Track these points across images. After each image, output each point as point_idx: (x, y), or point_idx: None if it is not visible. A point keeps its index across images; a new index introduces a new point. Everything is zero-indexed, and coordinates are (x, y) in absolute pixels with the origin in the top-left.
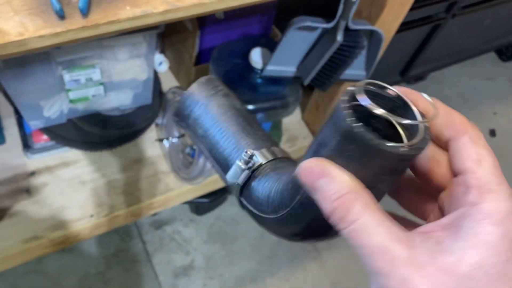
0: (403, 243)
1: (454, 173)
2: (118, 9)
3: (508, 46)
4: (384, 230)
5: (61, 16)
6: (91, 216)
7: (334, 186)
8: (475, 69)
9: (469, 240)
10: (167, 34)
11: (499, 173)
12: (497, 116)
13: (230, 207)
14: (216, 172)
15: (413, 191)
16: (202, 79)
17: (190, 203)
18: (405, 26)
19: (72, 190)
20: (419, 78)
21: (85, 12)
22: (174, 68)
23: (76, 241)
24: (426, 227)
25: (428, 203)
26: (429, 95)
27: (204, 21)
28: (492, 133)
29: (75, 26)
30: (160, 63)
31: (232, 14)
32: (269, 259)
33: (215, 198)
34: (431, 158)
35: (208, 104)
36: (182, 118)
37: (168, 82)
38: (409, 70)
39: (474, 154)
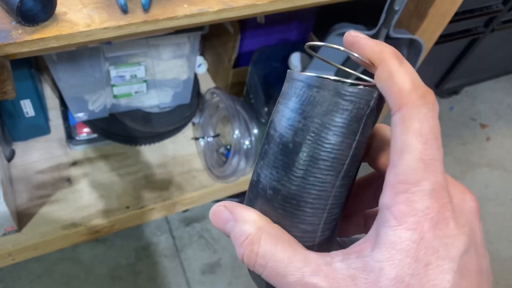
0: (320, 273)
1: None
2: (177, 7)
3: None
4: (297, 266)
5: (125, 10)
6: (127, 207)
7: (240, 227)
8: (510, 86)
9: (385, 251)
10: (207, 37)
11: (424, 166)
12: None
13: None
14: None
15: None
16: None
17: (216, 201)
18: (443, 38)
19: (110, 181)
20: (453, 92)
21: (146, 7)
22: (212, 70)
23: (111, 231)
24: (357, 242)
25: None
26: (462, 110)
27: (245, 25)
28: None
29: (136, 20)
30: (199, 65)
31: (272, 20)
32: None
33: (243, 199)
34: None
35: None
36: None
37: (206, 83)
38: (444, 83)
39: (399, 143)
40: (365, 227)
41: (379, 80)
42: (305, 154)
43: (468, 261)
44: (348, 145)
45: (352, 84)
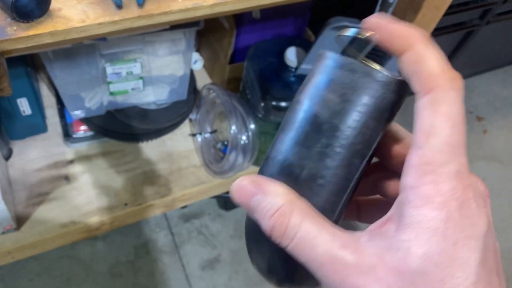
0: (348, 248)
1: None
2: (171, 1)
3: None
4: (327, 238)
5: (119, 5)
6: (126, 204)
7: (269, 200)
8: (507, 78)
9: (412, 230)
10: (203, 33)
11: (451, 149)
12: None
13: None
14: None
15: (374, 207)
16: None
17: (219, 197)
18: (438, 31)
19: (108, 179)
20: None
21: (141, 2)
22: (209, 67)
23: (110, 228)
24: (376, 223)
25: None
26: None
27: (240, 20)
28: None
29: (131, 15)
30: (195, 61)
31: (268, 15)
32: None
33: None
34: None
35: None
36: None
37: (202, 79)
38: None
39: (426, 125)
40: (358, 214)
41: (407, 64)
42: (341, 137)
43: (489, 241)
44: (379, 132)
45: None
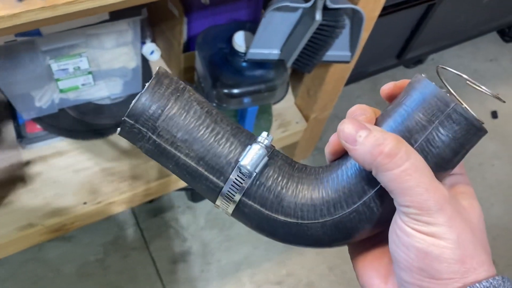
0: (442, 184)
1: None
2: None
3: (510, 26)
4: (430, 170)
5: None
6: (84, 203)
7: (379, 133)
8: (477, 50)
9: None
10: (156, 22)
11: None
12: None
13: None
14: (200, 185)
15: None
16: (162, 69)
17: (185, 190)
18: (397, 7)
19: (66, 178)
20: (418, 61)
21: None
22: (165, 57)
23: (72, 228)
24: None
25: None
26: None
27: (190, 7)
28: (494, 115)
29: (33, 6)
30: (152, 52)
31: None
32: (266, 244)
33: None
34: None
35: (185, 98)
36: (146, 119)
37: None
38: (406, 53)
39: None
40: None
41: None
42: None
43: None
44: None
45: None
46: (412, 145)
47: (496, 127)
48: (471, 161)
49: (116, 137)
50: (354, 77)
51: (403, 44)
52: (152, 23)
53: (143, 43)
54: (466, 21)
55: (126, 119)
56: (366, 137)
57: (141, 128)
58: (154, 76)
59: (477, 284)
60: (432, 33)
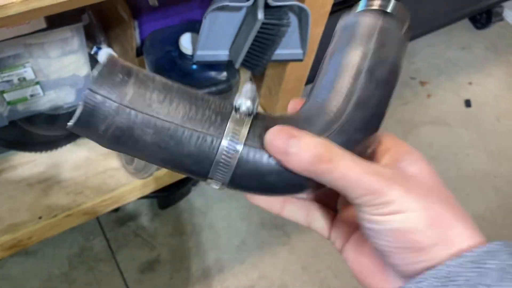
0: (383, 166)
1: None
2: None
3: (481, 13)
4: (365, 161)
5: None
6: (40, 218)
7: (309, 138)
8: (449, 38)
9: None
10: (109, 26)
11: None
12: (473, 85)
13: (196, 198)
14: (188, 153)
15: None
16: (108, 59)
17: (147, 197)
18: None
19: (20, 193)
20: None
21: None
22: None
23: (30, 244)
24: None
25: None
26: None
27: (140, 10)
28: (468, 103)
29: None
30: None
31: (168, 0)
32: (237, 248)
33: (175, 190)
34: None
35: (146, 84)
36: (101, 121)
37: None
38: None
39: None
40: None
41: None
42: None
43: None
44: None
45: None
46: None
47: (471, 116)
48: (445, 152)
49: (71, 148)
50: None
51: None
52: (106, 28)
53: (98, 48)
54: (435, 10)
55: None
56: (298, 146)
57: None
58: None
59: (466, 253)
60: None
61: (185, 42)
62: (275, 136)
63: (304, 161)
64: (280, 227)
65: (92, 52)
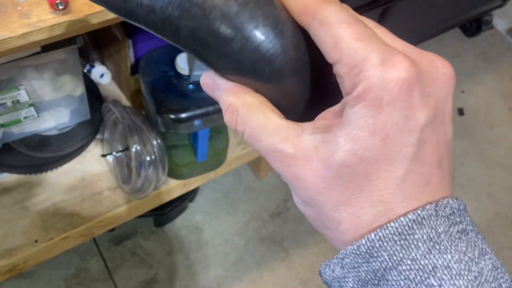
0: (289, 141)
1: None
2: None
3: (471, 21)
4: (270, 132)
5: None
6: (36, 241)
7: (224, 97)
8: (440, 47)
9: (344, 128)
10: (103, 45)
11: (363, 43)
12: (465, 94)
13: (192, 215)
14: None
15: None
16: None
17: (144, 217)
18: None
19: (14, 216)
20: None
21: None
22: (116, 80)
23: (26, 268)
24: (323, 115)
25: None
26: None
27: (134, 29)
28: (461, 112)
29: None
30: (102, 75)
31: None
32: (236, 265)
33: (171, 208)
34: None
35: None
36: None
37: (113, 93)
38: None
39: (329, 41)
40: None
41: (290, 9)
42: None
43: (430, 133)
44: None
45: None
46: None
47: (464, 124)
48: None
49: (66, 168)
50: None
51: None
52: (100, 46)
53: (92, 66)
54: (425, 21)
55: None
56: (219, 99)
57: None
58: None
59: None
60: (394, 34)
61: (181, 62)
62: (203, 82)
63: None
64: (279, 242)
65: (85, 70)
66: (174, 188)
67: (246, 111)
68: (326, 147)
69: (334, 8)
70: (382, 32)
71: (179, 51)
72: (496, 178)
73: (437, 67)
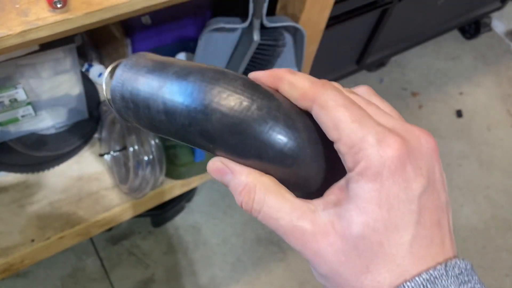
0: (306, 218)
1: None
2: None
3: (470, 24)
4: (287, 211)
5: None
6: (32, 241)
7: (238, 179)
8: (439, 49)
9: (353, 202)
10: (101, 44)
11: (359, 126)
12: (463, 96)
13: (190, 215)
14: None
15: None
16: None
17: (141, 216)
18: (351, 14)
19: (11, 215)
20: (380, 64)
21: None
22: None
23: (22, 267)
24: (330, 190)
25: None
26: (392, 81)
27: (133, 28)
28: (459, 113)
29: None
30: (100, 74)
31: (162, 18)
32: (233, 265)
33: (168, 208)
34: None
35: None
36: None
37: None
38: (365, 58)
39: (329, 123)
40: None
41: (289, 96)
42: None
43: (427, 200)
44: None
45: None
46: None
47: (462, 126)
48: None
49: (63, 168)
50: None
51: (362, 50)
52: (99, 45)
53: (90, 65)
54: (424, 22)
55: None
56: (231, 182)
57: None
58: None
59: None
60: (391, 36)
61: None
62: (212, 168)
63: (238, 203)
64: (276, 243)
65: (84, 69)
66: (171, 188)
67: (264, 190)
68: (341, 221)
69: (331, 93)
70: (373, 111)
71: (178, 51)
72: (494, 180)
73: (421, 143)
